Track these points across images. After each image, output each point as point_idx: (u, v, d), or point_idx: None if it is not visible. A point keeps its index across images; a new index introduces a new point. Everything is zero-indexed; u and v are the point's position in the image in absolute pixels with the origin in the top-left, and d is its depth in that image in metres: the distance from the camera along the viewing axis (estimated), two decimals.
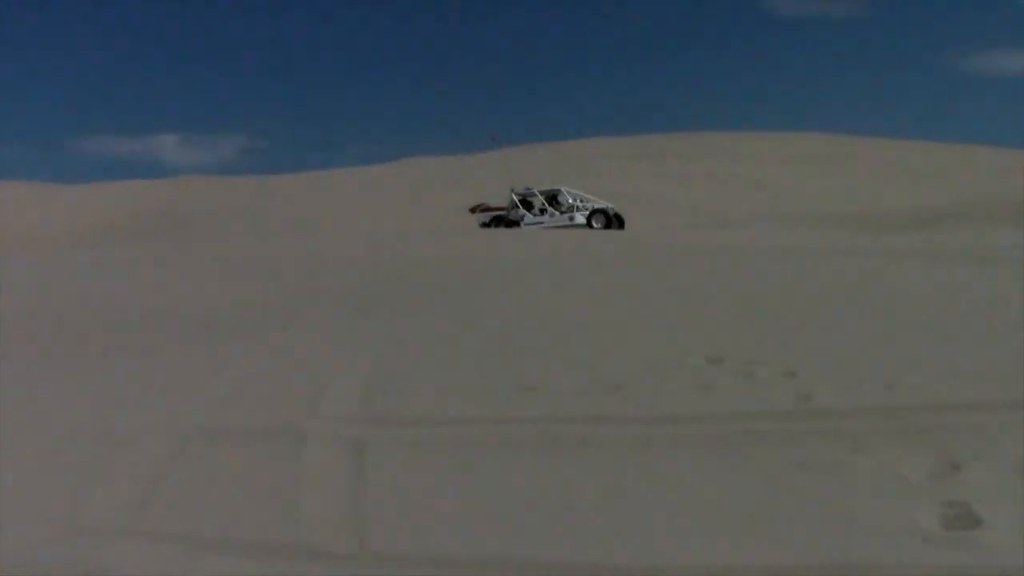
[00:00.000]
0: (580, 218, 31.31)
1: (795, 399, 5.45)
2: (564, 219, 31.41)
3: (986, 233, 19.36)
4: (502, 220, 32.60)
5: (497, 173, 45.56)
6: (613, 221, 31.41)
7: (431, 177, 64.80)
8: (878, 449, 4.53)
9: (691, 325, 8.19)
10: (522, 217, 32.14)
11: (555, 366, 6.74)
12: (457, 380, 6.57)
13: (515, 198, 32.91)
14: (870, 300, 9.23)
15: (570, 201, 32.39)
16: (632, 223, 32.58)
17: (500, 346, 7.75)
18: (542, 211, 32.21)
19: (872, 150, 54.75)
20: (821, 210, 31.61)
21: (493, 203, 34.03)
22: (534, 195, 33.05)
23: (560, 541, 3.87)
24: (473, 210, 34.11)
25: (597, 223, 30.90)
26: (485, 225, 32.67)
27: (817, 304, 9.12)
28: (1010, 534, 3.57)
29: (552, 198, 32.77)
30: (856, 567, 3.46)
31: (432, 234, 27.73)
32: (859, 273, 11.82)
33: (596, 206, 31.95)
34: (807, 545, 3.65)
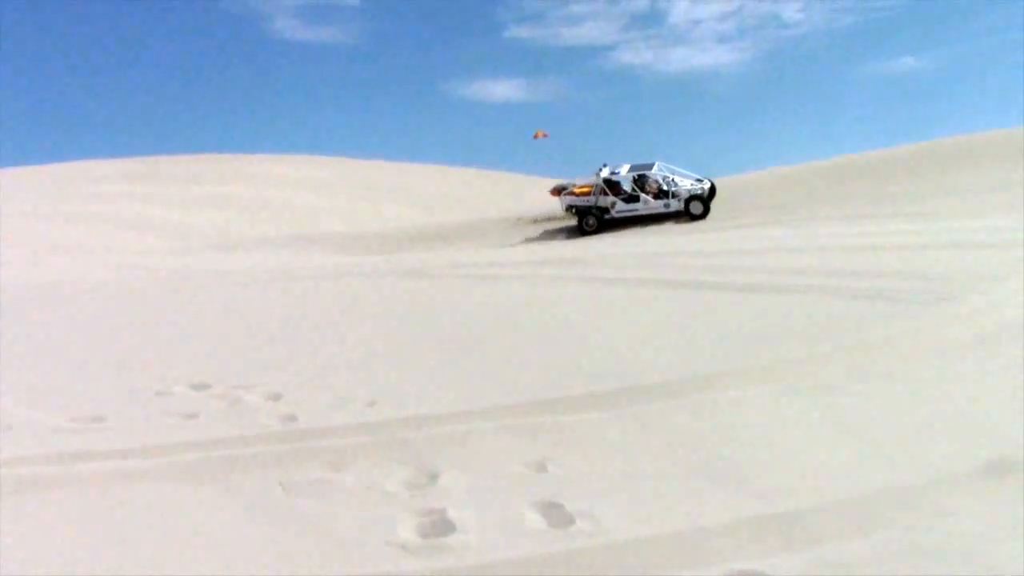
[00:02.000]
0: (676, 204, 26.64)
1: (280, 421, 5.31)
2: (659, 205, 26.68)
3: (488, 250, 20.71)
4: (590, 212, 27.22)
5: None
6: (708, 203, 26.67)
7: None
8: (360, 465, 4.52)
9: (177, 353, 7.77)
10: (612, 204, 27.06)
11: (27, 402, 6.01)
12: None
13: (602, 183, 27.39)
14: (361, 320, 9.39)
15: (660, 183, 27.28)
16: (133, 247, 30.19)
17: None
18: (632, 197, 27.07)
19: (376, 172, 56.82)
20: (327, 231, 32.08)
21: (578, 185, 27.82)
22: (618, 176, 27.66)
23: None
24: (555, 192, 28.46)
25: (695, 211, 26.27)
26: (570, 208, 27.53)
27: (309, 326, 9.10)
28: (481, 536, 3.68)
29: (641, 180, 27.49)
30: None
31: None
32: (351, 295, 12.04)
33: (692, 189, 26.90)
34: (289, 564, 3.51)
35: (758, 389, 5.56)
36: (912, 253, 11.60)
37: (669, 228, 24.70)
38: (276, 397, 5.83)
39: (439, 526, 3.78)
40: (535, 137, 29.58)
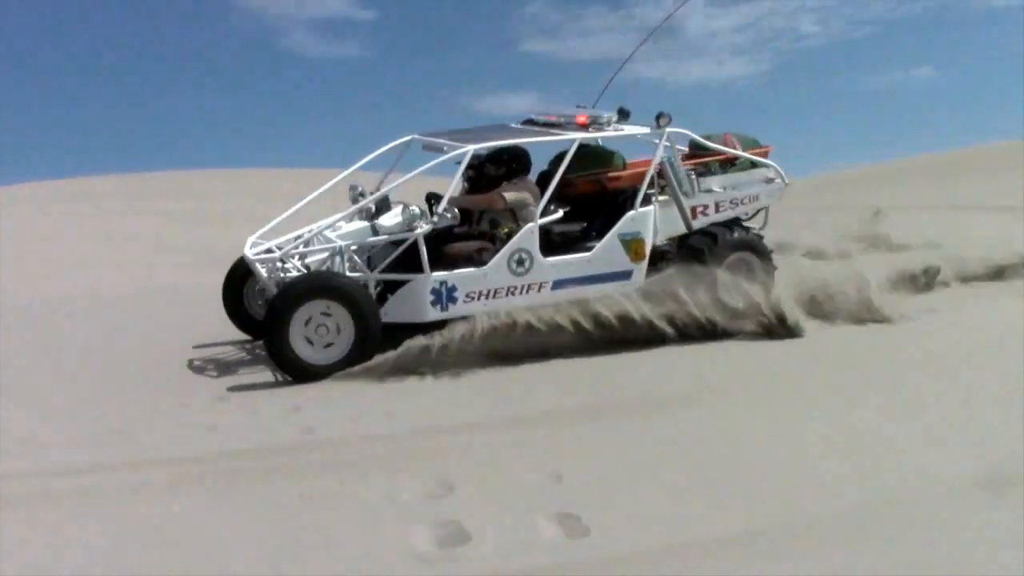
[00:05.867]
0: None
1: (300, 432, 5.38)
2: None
3: None
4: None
5: None
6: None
7: None
8: (377, 476, 4.57)
9: (198, 367, 7.71)
10: None
11: (47, 416, 6.03)
12: None
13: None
14: None
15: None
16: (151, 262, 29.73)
17: None
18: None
19: None
20: None
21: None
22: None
23: None
24: None
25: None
26: None
27: None
28: (496, 545, 3.73)
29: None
30: None
31: None
32: None
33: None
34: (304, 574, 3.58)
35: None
36: None
37: None
38: (296, 410, 5.87)
39: (455, 537, 3.80)
40: None
